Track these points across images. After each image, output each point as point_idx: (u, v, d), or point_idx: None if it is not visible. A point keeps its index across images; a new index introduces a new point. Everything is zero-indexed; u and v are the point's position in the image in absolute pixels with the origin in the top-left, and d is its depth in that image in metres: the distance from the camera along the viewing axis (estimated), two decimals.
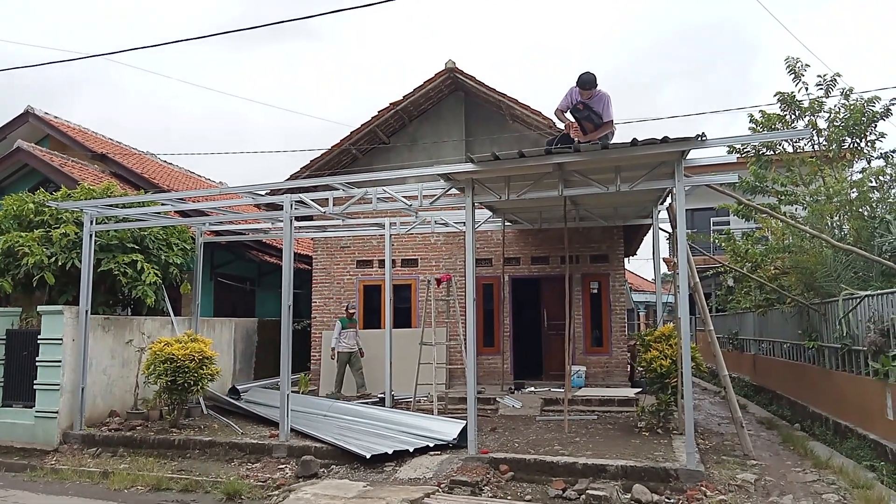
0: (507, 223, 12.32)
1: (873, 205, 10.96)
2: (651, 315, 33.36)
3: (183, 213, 12.91)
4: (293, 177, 13.75)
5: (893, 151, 12.12)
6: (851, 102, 12.49)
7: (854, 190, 11.33)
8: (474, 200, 8.45)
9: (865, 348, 8.25)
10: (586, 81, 7.97)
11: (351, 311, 13.03)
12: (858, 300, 8.66)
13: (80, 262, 10.27)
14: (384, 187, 9.41)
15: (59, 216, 10.89)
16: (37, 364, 9.97)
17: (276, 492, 7.30)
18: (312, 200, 9.73)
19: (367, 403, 11.24)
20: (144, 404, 10.64)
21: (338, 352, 12.64)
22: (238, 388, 12.54)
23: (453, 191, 8.96)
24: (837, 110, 12.66)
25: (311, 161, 14.13)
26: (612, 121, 8.10)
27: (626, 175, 7.93)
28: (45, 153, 14.14)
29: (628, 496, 6.72)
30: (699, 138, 6.97)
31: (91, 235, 10.28)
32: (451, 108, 14.31)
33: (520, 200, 8.72)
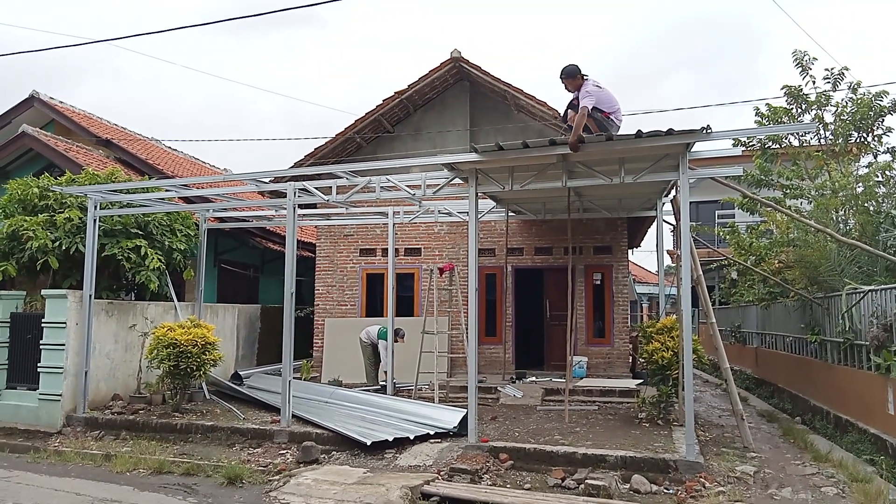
0: (510, 213, 12.31)
1: (879, 200, 10.91)
2: (654, 307, 33.36)
3: (187, 200, 12.93)
4: (297, 164, 13.75)
5: None
6: (859, 96, 12.43)
7: (860, 184, 11.27)
8: (478, 190, 8.44)
9: (868, 343, 8.23)
10: (563, 72, 8.02)
11: (399, 337, 11.97)
12: (862, 295, 8.64)
13: (84, 246, 10.30)
14: (388, 176, 9.40)
15: (64, 201, 10.91)
16: (41, 347, 10.03)
17: (277, 477, 7.34)
18: (316, 188, 9.73)
19: (368, 391, 11.28)
20: (147, 388, 10.71)
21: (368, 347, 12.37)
22: (241, 373, 12.59)
23: (457, 180, 8.95)
24: (845, 104, 12.59)
25: (315, 149, 14.12)
26: (585, 107, 7.59)
27: (630, 167, 7.90)
28: (49, 138, 14.16)
29: (627, 486, 6.75)
30: (704, 131, 6.93)
31: (95, 220, 10.30)
32: (455, 97, 14.27)
33: (523, 191, 8.70)
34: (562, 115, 8.69)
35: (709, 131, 6.94)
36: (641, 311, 32.16)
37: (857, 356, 8.90)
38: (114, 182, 11.04)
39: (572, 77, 7.99)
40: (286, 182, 10.14)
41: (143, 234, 11.17)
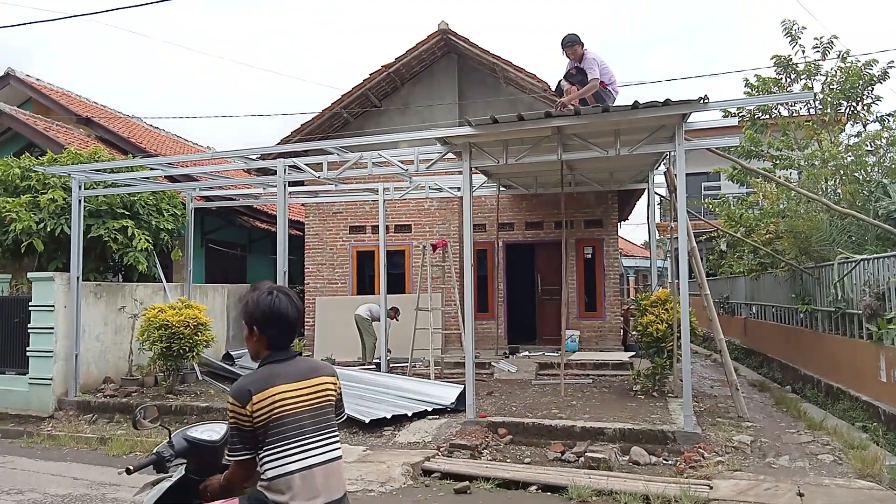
0: (501, 188, 12.22)
1: (868, 169, 10.95)
2: (640, 280, 33.62)
3: (172, 179, 12.69)
4: (284, 141, 13.53)
5: (890, 115, 12.10)
6: (848, 65, 12.41)
7: (850, 154, 11.31)
8: (471, 165, 8.35)
9: (861, 312, 8.31)
10: (565, 41, 8.05)
11: (393, 311, 12.09)
12: (854, 264, 8.70)
13: (70, 228, 10.10)
14: (380, 151, 9.27)
15: (47, 181, 10.67)
16: (29, 331, 9.87)
17: None
18: (306, 165, 9.58)
19: (364, 369, 11.26)
20: (139, 370, 10.60)
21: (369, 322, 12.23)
22: (232, 353, 12.50)
23: (449, 155, 8.85)
24: (834, 73, 12.58)
25: (301, 125, 13.89)
26: (596, 78, 7.81)
27: (625, 139, 7.84)
28: (28, 117, 13.81)
29: (627, 458, 6.80)
30: (701, 101, 6.88)
31: (80, 201, 10.09)
32: (444, 70, 14.07)
33: (515, 165, 8.63)
34: (555, 87, 8.61)
35: (706, 101, 6.89)
36: (628, 285, 32.38)
37: (848, 325, 8.99)
38: (97, 161, 10.80)
39: (574, 45, 7.97)
40: (274, 159, 9.98)
41: (130, 215, 10.97)
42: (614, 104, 7.77)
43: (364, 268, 14.42)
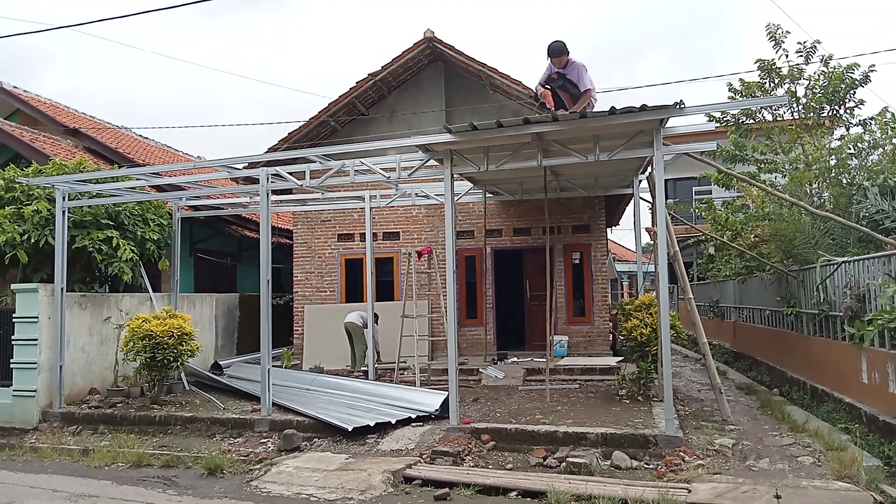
0: (488, 195, 12.24)
1: (851, 172, 11.01)
2: (634, 284, 33.63)
3: (159, 188, 12.70)
4: (271, 149, 13.52)
5: (872, 118, 12.16)
6: (831, 69, 12.48)
7: (833, 157, 11.36)
8: (453, 171, 8.37)
9: (842, 314, 8.33)
10: (554, 49, 8.13)
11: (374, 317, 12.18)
12: (836, 266, 8.73)
13: (54, 239, 10.08)
14: (362, 159, 9.28)
15: (31, 192, 10.66)
16: (12, 343, 9.83)
17: (258, 466, 7.29)
18: (290, 173, 9.59)
19: (351, 376, 11.23)
20: (125, 381, 10.57)
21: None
22: (220, 363, 12.47)
23: (432, 162, 8.87)
24: (817, 77, 12.65)
25: (289, 133, 13.90)
26: (589, 89, 8.10)
27: (604, 144, 7.87)
28: (14, 128, 13.80)
29: (608, 463, 6.79)
30: (677, 106, 6.90)
31: (64, 212, 10.07)
32: (430, 78, 14.11)
33: (500, 171, 8.64)
34: (534, 93, 8.68)
35: (682, 106, 6.91)
36: (622, 289, 32.40)
37: (831, 327, 9.01)
38: (82, 172, 10.78)
39: (560, 55, 8.08)
40: (259, 168, 9.97)
41: (115, 225, 10.94)
42: (593, 110, 7.81)
43: (353, 275, 14.40)
